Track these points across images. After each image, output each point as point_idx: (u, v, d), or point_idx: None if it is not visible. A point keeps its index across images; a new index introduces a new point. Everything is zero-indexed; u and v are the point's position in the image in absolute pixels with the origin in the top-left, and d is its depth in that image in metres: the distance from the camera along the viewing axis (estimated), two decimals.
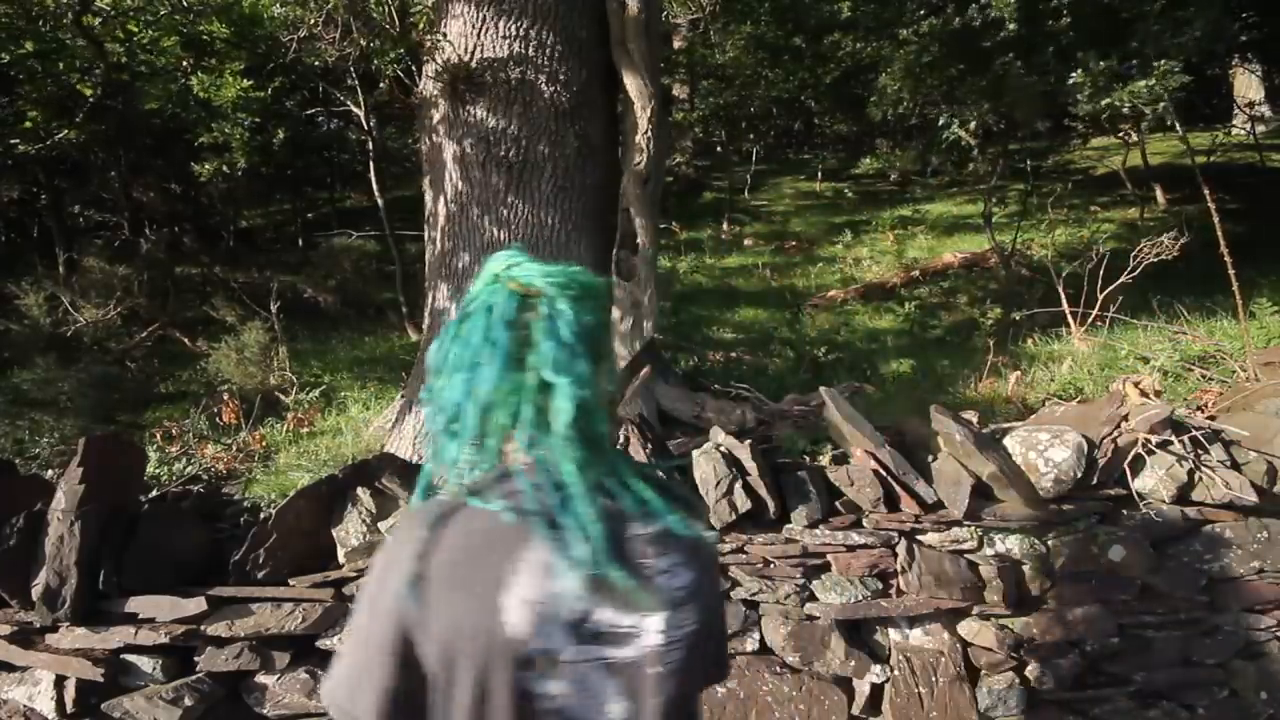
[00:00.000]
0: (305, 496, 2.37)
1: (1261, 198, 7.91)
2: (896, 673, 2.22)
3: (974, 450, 2.23)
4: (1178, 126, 4.80)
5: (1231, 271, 3.35)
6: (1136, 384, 2.62)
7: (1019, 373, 3.77)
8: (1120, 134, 7.68)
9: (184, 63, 6.31)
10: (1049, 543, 2.29)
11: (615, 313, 3.21)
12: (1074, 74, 4.66)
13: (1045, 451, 2.29)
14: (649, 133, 3.19)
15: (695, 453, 2.35)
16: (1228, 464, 2.31)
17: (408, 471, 2.38)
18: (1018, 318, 5.29)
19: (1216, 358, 3.50)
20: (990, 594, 2.22)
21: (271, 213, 11.58)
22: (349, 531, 2.33)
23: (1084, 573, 2.26)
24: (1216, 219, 3.56)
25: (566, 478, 0.85)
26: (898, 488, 2.27)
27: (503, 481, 0.88)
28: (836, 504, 2.32)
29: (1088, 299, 4.34)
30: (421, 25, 3.62)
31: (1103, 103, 4.45)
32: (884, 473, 2.29)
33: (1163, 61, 4.18)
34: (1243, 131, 10.09)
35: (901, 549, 2.25)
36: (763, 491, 2.24)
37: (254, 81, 6.71)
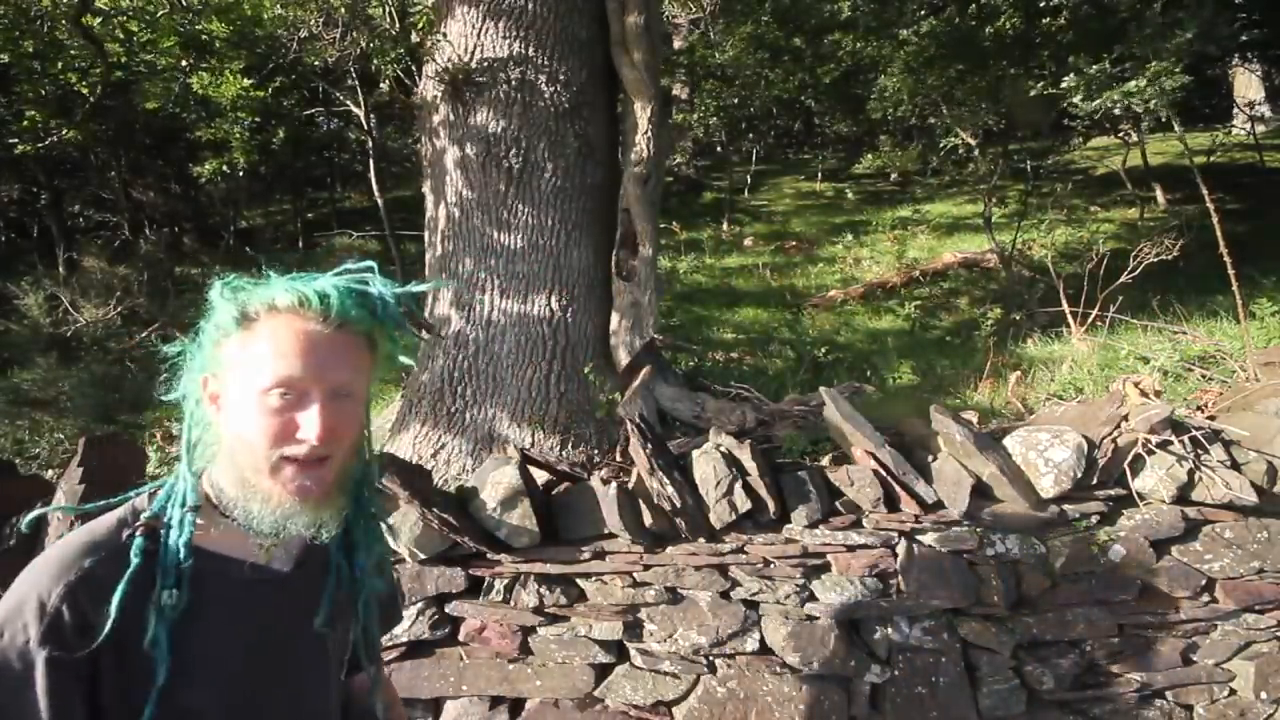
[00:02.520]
0: None
1: (1262, 198, 7.91)
2: (896, 673, 2.22)
3: (974, 450, 2.23)
4: (1175, 126, 4.81)
5: (1231, 271, 3.35)
6: (1136, 384, 2.62)
7: (1019, 373, 3.77)
8: (1120, 134, 7.68)
9: (183, 62, 6.31)
10: (1049, 543, 2.29)
11: (615, 314, 3.21)
12: (1067, 77, 4.67)
13: (1045, 451, 2.29)
14: (649, 133, 3.19)
15: (695, 453, 2.35)
16: (1228, 464, 2.31)
17: (408, 471, 2.38)
18: (1018, 318, 5.29)
19: (1216, 358, 3.50)
20: (990, 594, 2.22)
21: (271, 213, 11.59)
22: None
23: (1084, 573, 2.26)
24: (1216, 219, 3.56)
25: None
26: (898, 488, 2.27)
27: None
28: (836, 504, 2.32)
29: (1088, 299, 4.34)
30: (421, 25, 3.63)
31: (1094, 103, 4.47)
32: (884, 473, 2.29)
33: (1153, 63, 4.19)
34: (1243, 131, 10.09)
35: (901, 549, 2.25)
36: (763, 491, 2.24)
37: (254, 81, 6.72)
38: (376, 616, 1.09)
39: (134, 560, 0.82)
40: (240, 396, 0.86)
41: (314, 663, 1.00)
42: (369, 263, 0.95)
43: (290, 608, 0.96)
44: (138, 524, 0.86)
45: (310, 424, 0.84)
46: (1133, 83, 4.27)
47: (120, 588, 0.81)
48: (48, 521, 2.22)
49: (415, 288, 0.96)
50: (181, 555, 0.85)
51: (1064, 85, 4.69)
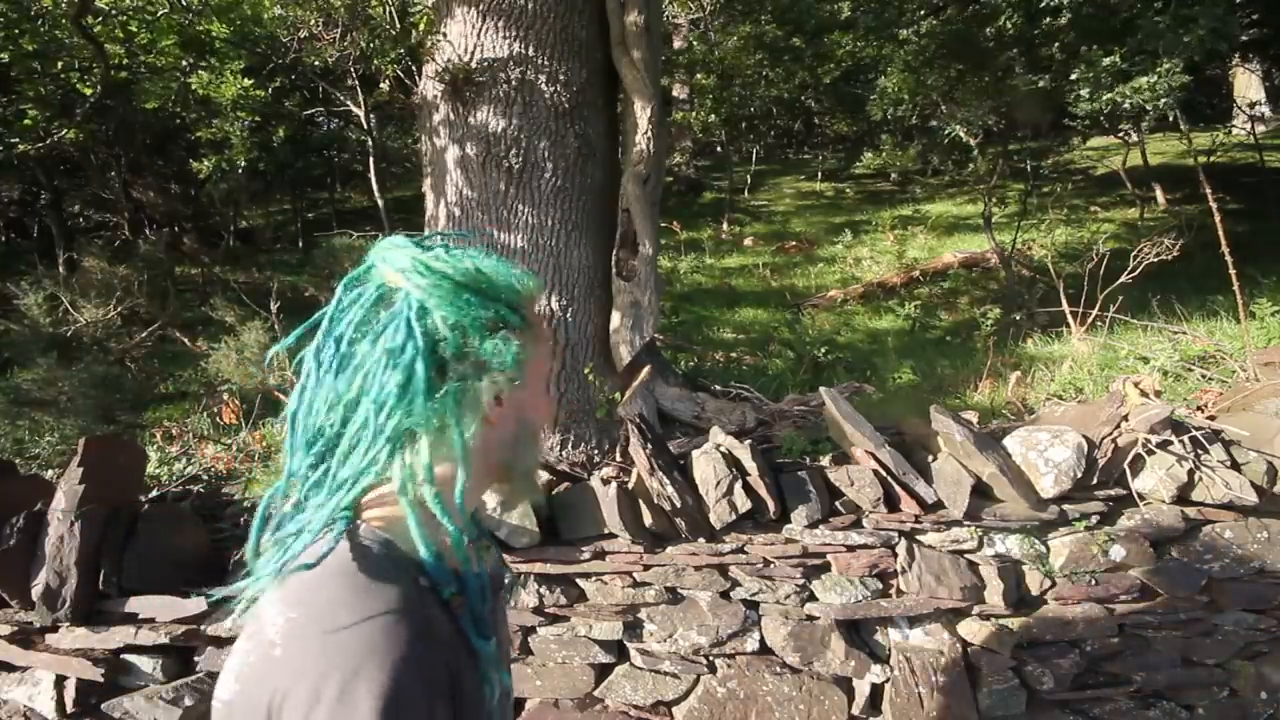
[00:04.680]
0: None
1: (1262, 198, 7.91)
2: (896, 673, 2.22)
3: (974, 450, 2.23)
4: (1181, 125, 4.80)
5: (1232, 271, 3.35)
6: (1136, 384, 2.61)
7: (1019, 373, 3.77)
8: (1120, 134, 7.68)
9: (183, 62, 6.31)
10: (1049, 543, 2.29)
11: (615, 314, 3.21)
12: (1076, 70, 4.66)
13: (1045, 451, 2.29)
14: (649, 133, 3.19)
15: (695, 453, 2.35)
16: (1228, 464, 2.31)
17: None
18: (1018, 318, 5.29)
19: (1216, 358, 3.50)
20: (990, 594, 2.22)
21: (271, 213, 11.59)
22: None
23: (1084, 573, 2.26)
24: (1217, 219, 3.56)
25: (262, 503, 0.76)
26: (898, 488, 2.27)
27: None
28: (836, 504, 2.32)
29: (1088, 299, 4.34)
30: (422, 26, 3.63)
31: (1105, 98, 4.45)
32: (884, 473, 2.29)
33: (1164, 61, 4.18)
34: (1243, 131, 10.09)
35: (901, 549, 2.25)
36: (763, 491, 2.24)
37: (254, 81, 6.72)
38: None
39: (476, 640, 0.75)
40: (532, 389, 0.81)
41: (509, 658, 1.00)
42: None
43: (502, 609, 0.94)
44: (456, 598, 0.75)
45: (554, 394, 0.84)
46: (1143, 79, 4.25)
47: (489, 674, 0.75)
48: (48, 521, 2.22)
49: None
50: (482, 603, 0.79)
51: (1073, 78, 4.67)
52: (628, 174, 3.23)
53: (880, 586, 2.26)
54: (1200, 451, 2.30)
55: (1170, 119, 4.92)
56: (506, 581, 0.97)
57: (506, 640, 0.95)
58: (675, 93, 12.09)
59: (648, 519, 2.26)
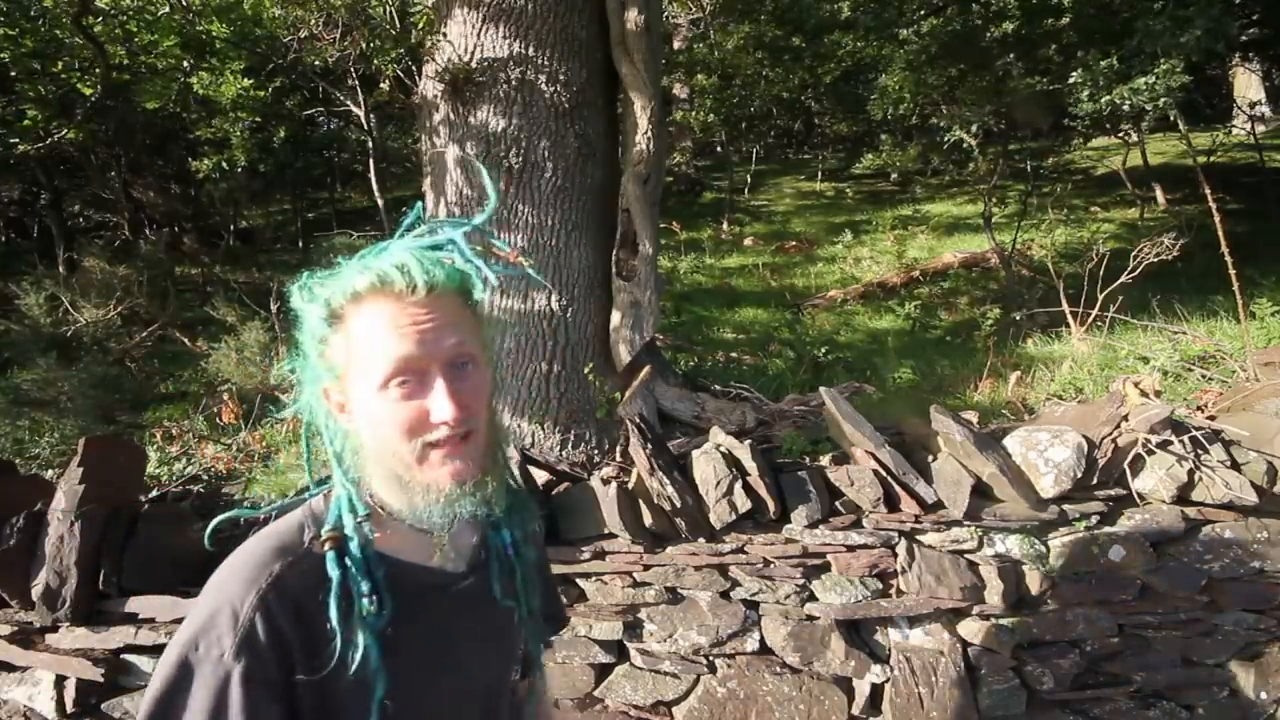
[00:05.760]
0: None
1: (1262, 198, 7.91)
2: (896, 673, 2.22)
3: (974, 450, 2.23)
4: (1180, 125, 4.81)
5: (1232, 271, 3.35)
6: (1136, 384, 2.61)
7: (1019, 373, 3.77)
8: (1120, 134, 7.68)
9: (184, 62, 6.31)
10: (1049, 543, 2.29)
11: (615, 314, 3.21)
12: (1075, 73, 4.67)
13: (1045, 451, 2.29)
14: (649, 133, 3.19)
15: (695, 453, 2.35)
16: (1228, 464, 2.30)
17: None
18: (1018, 318, 5.29)
19: (1216, 358, 3.50)
20: (990, 594, 2.22)
21: (271, 213, 11.59)
22: None
23: (1084, 573, 2.25)
24: (1217, 219, 3.56)
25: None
26: (898, 488, 2.27)
27: None
28: (836, 504, 2.32)
29: (1088, 299, 4.34)
30: (422, 25, 3.63)
31: (1103, 100, 4.46)
32: (884, 473, 2.29)
33: (1163, 61, 4.19)
34: (1243, 131, 10.08)
35: (901, 549, 2.25)
36: (763, 491, 2.24)
37: (254, 81, 6.72)
38: (538, 603, 1.03)
39: (334, 574, 0.78)
40: (363, 398, 0.80)
41: (490, 664, 0.98)
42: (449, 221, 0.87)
43: (469, 609, 0.92)
44: (327, 535, 0.80)
45: (440, 406, 0.77)
46: (1141, 80, 4.26)
47: (333, 604, 0.77)
48: (48, 521, 2.22)
49: (480, 219, 0.87)
50: (371, 564, 0.81)
51: (1071, 81, 4.69)
52: (628, 174, 3.23)
53: (880, 586, 2.26)
54: (1200, 451, 2.30)
55: (1170, 119, 4.92)
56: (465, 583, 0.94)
57: (462, 641, 0.92)
58: (675, 93, 12.09)
59: (648, 519, 2.26)
